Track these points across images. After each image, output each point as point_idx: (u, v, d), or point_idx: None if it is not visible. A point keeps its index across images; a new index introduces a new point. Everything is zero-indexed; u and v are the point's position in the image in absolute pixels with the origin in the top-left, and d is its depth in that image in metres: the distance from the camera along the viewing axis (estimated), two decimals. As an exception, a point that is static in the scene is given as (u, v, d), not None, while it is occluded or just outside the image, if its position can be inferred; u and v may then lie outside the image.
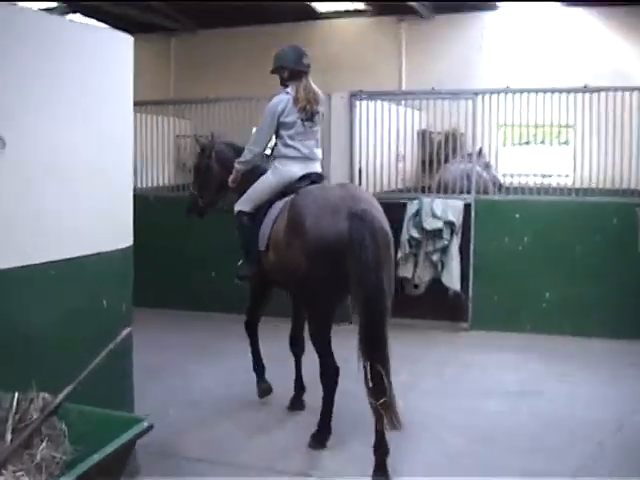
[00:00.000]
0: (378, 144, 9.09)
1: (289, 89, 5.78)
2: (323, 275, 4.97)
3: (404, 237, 8.50)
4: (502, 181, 10.16)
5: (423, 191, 9.09)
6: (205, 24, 14.64)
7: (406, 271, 8.53)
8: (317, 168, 5.90)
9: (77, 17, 13.16)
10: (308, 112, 5.72)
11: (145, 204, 8.44)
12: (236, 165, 6.07)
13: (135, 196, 4.77)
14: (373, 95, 9.14)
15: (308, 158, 5.80)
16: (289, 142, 5.73)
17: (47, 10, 11.73)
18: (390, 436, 4.80)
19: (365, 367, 4.66)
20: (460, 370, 7.15)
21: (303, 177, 5.73)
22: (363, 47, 13.57)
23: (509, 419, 5.85)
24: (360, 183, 9.04)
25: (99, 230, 4.35)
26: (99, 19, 12.75)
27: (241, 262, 5.99)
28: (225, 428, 5.74)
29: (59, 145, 4.04)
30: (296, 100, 5.68)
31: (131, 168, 4.79)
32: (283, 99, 5.74)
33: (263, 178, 5.89)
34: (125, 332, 3.51)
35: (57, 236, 4.04)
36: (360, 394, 4.77)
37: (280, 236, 5.38)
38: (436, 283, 8.53)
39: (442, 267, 8.46)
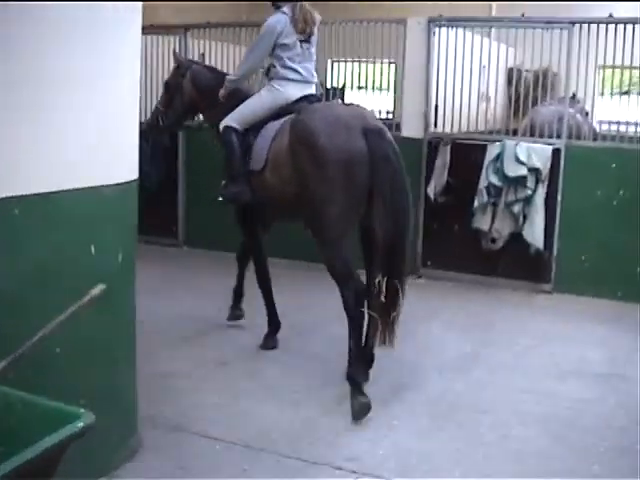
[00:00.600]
0: (458, 80, 7.97)
1: (285, 9, 5.54)
2: (338, 192, 4.75)
3: (482, 184, 7.48)
4: (598, 131, 8.94)
5: (507, 134, 8.00)
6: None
7: (483, 223, 7.54)
8: (314, 90, 5.77)
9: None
10: (306, 33, 5.55)
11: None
12: (226, 82, 5.90)
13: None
14: (454, 22, 7.98)
15: (307, 81, 5.64)
16: (289, 64, 5.54)
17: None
18: (443, 424, 4.31)
19: (380, 281, 4.69)
20: (536, 342, 6.12)
21: (300, 99, 5.55)
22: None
23: (592, 409, 4.82)
24: (436, 122, 8.05)
25: (87, 159, 3.47)
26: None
27: (225, 182, 5.73)
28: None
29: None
30: (294, 21, 5.51)
31: (136, 85, 3.86)
32: (281, 19, 5.51)
33: (257, 97, 5.73)
34: (96, 290, 2.80)
35: (24, 164, 3.15)
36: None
37: (282, 156, 5.17)
38: (516, 238, 7.48)
39: (524, 220, 7.41)
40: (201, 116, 6.73)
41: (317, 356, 5.68)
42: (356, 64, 9.44)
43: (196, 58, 7.35)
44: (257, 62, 5.79)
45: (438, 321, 6.61)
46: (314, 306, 6.78)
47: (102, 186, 3.56)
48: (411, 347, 5.69)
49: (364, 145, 4.76)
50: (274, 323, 6.01)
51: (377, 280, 4.73)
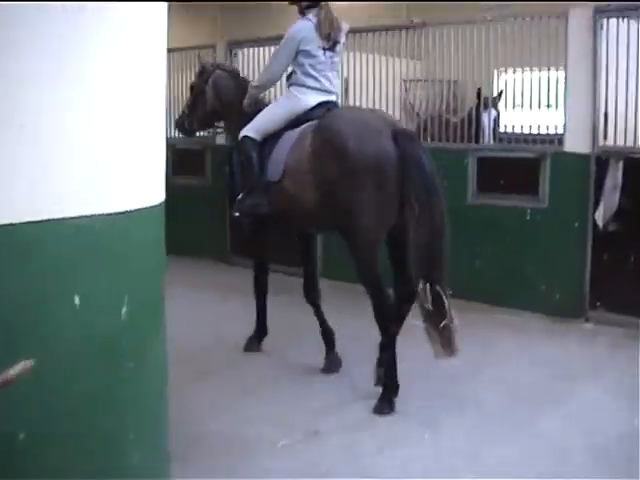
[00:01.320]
0: (632, 82, 6.49)
1: (310, 16, 5.39)
2: (369, 200, 4.70)
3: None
4: None
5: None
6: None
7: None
8: (334, 99, 5.56)
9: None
10: (331, 41, 5.39)
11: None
12: (250, 89, 5.86)
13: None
14: (627, 11, 6.47)
15: (327, 91, 5.47)
16: (310, 71, 5.39)
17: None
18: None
19: (424, 289, 4.59)
20: None
21: (318, 105, 5.38)
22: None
23: None
24: (606, 134, 6.65)
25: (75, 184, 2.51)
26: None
27: (242, 195, 5.55)
28: None
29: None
30: (318, 27, 5.34)
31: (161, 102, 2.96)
32: (305, 26, 5.38)
33: (275, 104, 5.66)
34: (21, 366, 2.03)
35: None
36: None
37: (303, 163, 5.06)
38: None
39: None
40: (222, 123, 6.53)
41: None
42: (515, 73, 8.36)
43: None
44: (279, 70, 5.62)
45: (602, 382, 5.25)
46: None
47: (85, 216, 2.56)
48: (557, 420, 4.47)
49: (395, 149, 4.69)
50: (263, 330, 6.04)
51: (421, 288, 4.63)
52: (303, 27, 5.39)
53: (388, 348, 4.85)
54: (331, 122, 5.00)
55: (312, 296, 5.71)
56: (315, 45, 5.35)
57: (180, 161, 9.47)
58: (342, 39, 5.53)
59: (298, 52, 5.37)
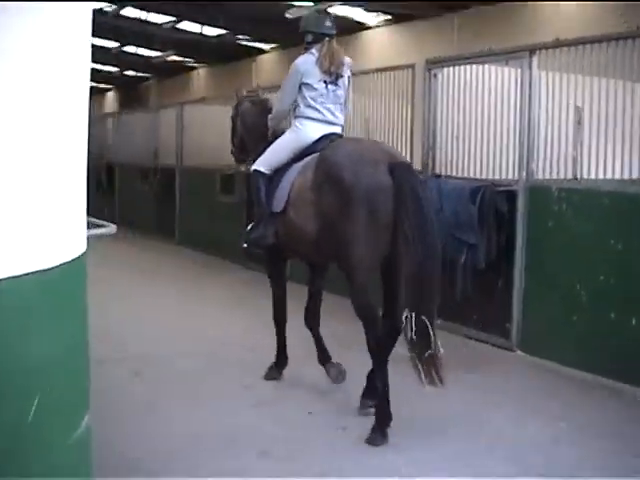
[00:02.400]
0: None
1: (313, 50, 5.72)
2: (364, 230, 4.86)
3: None
4: None
5: None
6: None
7: None
8: (338, 131, 5.75)
9: None
10: (332, 74, 5.64)
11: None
12: (268, 121, 6.19)
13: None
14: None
15: (330, 122, 5.67)
16: (312, 103, 5.62)
17: None
18: None
19: (408, 318, 4.66)
20: None
21: (322, 137, 5.61)
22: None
23: None
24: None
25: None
26: None
27: (251, 226, 5.91)
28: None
29: None
30: (320, 61, 5.62)
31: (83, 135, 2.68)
32: (307, 60, 5.68)
33: (282, 138, 5.87)
34: None
35: None
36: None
37: (306, 194, 5.27)
38: None
39: None
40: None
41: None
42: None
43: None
44: (287, 102, 5.83)
45: None
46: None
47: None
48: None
49: (390, 181, 4.85)
50: (284, 358, 6.19)
51: (405, 317, 4.72)
52: (305, 61, 5.67)
53: (380, 378, 4.94)
54: (330, 154, 5.21)
55: (311, 323, 6.04)
56: (316, 79, 5.58)
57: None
58: (346, 73, 5.75)
59: (301, 85, 5.61)
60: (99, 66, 30.77)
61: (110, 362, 6.36)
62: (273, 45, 21.28)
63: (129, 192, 17.57)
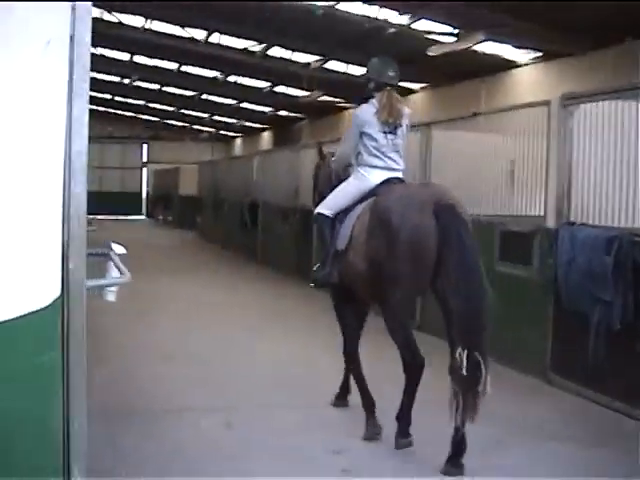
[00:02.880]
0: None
1: (373, 100, 5.82)
2: (406, 270, 5.15)
3: None
4: None
5: None
6: None
7: None
8: (399, 176, 5.89)
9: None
10: (391, 125, 5.76)
11: None
12: (331, 164, 6.53)
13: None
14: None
15: (392, 169, 5.83)
16: (374, 152, 5.77)
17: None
18: None
19: (461, 354, 4.76)
20: None
21: (384, 182, 5.76)
22: None
23: None
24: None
25: None
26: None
27: (318, 265, 6.12)
28: None
29: None
30: (379, 113, 5.72)
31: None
32: (367, 110, 5.81)
33: (346, 183, 6.02)
34: None
35: None
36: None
37: (362, 235, 5.51)
38: None
39: None
40: None
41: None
42: None
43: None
44: (349, 148, 6.00)
45: None
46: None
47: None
48: None
49: (434, 223, 5.07)
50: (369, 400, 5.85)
51: (458, 353, 4.82)
52: (364, 111, 5.80)
53: (409, 395, 5.27)
54: (382, 199, 5.48)
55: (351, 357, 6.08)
56: (375, 129, 5.71)
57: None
58: (404, 122, 5.83)
59: (362, 133, 5.75)
60: (253, 106, 31.53)
61: (201, 411, 6.07)
62: (423, 85, 20.92)
63: (271, 231, 17.48)
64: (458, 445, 4.92)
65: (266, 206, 18.05)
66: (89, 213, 2.57)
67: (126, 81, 29.90)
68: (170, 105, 35.17)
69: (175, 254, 20.61)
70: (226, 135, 44.46)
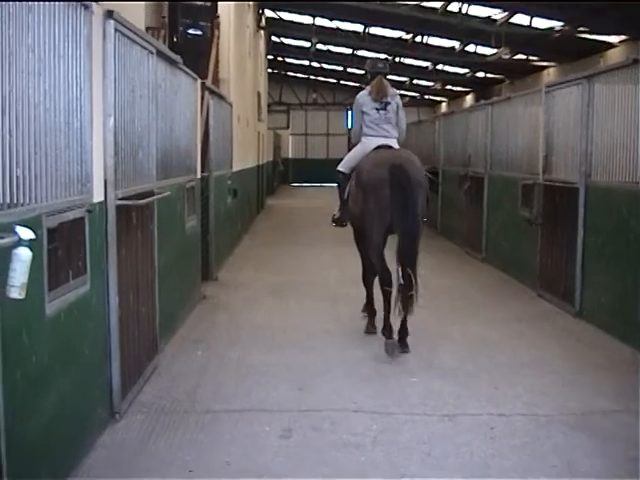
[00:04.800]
0: None
1: (367, 87, 7.85)
2: (369, 212, 7.16)
3: None
4: None
5: None
6: None
7: None
8: (391, 143, 7.70)
9: None
10: (382, 103, 7.69)
11: None
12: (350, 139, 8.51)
13: None
14: None
15: (384, 136, 7.69)
16: (369, 124, 7.73)
17: None
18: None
19: (398, 269, 6.78)
20: None
21: (377, 147, 7.59)
22: None
23: None
24: None
25: None
26: None
27: (337, 210, 8.32)
28: None
29: None
30: (370, 94, 7.74)
31: None
32: (362, 94, 7.87)
33: (354, 149, 7.97)
34: None
35: None
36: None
37: (352, 188, 7.67)
38: None
39: None
40: None
41: None
42: None
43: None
44: (356, 127, 8.01)
45: None
46: None
47: None
48: None
49: (387, 177, 6.91)
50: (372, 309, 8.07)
51: (397, 269, 6.80)
52: (361, 95, 7.90)
53: (384, 306, 7.12)
54: (362, 161, 7.55)
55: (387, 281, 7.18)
56: (369, 107, 7.72)
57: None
58: (392, 100, 7.74)
59: (361, 112, 7.78)
60: (452, 68, 30.00)
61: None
62: (622, 37, 18.59)
63: (449, 199, 16.29)
64: (403, 332, 7.05)
65: (445, 173, 16.76)
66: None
67: (323, 47, 29.36)
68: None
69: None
70: (431, 99, 43.07)
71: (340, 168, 8.01)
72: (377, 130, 7.63)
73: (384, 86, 7.70)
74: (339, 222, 8.30)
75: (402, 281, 6.65)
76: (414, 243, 6.84)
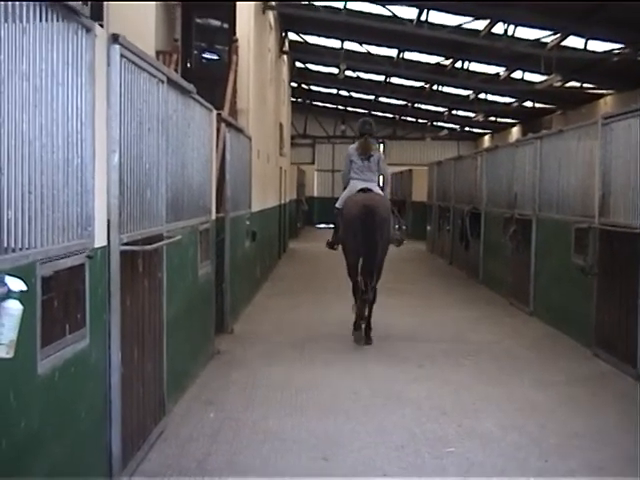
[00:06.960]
0: None
1: (356, 143, 11.29)
2: (348, 238, 10.67)
3: None
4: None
5: None
6: None
7: None
8: (371, 186, 10.93)
9: None
10: (365, 156, 11.01)
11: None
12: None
13: None
14: None
15: (366, 181, 10.97)
16: (356, 171, 11.05)
17: None
18: None
19: (361, 280, 10.40)
20: None
21: (360, 189, 10.79)
22: None
23: None
24: None
25: None
26: None
27: (331, 237, 11.77)
28: None
29: None
30: (357, 150, 11.11)
31: None
32: (352, 147, 11.30)
33: (346, 189, 11.16)
34: None
35: None
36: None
37: (341, 220, 10.99)
38: None
39: None
40: None
41: None
42: None
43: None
44: (344, 173, 11.37)
45: None
46: None
47: None
48: None
49: (360, 214, 10.27)
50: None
51: (360, 281, 10.45)
52: (351, 148, 11.25)
53: (357, 308, 10.72)
54: (346, 200, 10.77)
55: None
56: (357, 158, 10.98)
57: None
58: (374, 154, 11.03)
59: (350, 161, 11.05)
60: (496, 97, 30.02)
61: None
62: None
63: (492, 244, 16.20)
64: (366, 328, 10.59)
65: (488, 215, 16.70)
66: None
67: (352, 74, 29.51)
68: (400, 99, 34.49)
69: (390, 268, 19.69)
70: (473, 132, 43.12)
71: (337, 205, 11.20)
72: (361, 175, 10.98)
73: (368, 144, 11.12)
74: (331, 245, 11.70)
75: (363, 288, 10.31)
76: (372, 263, 10.37)
